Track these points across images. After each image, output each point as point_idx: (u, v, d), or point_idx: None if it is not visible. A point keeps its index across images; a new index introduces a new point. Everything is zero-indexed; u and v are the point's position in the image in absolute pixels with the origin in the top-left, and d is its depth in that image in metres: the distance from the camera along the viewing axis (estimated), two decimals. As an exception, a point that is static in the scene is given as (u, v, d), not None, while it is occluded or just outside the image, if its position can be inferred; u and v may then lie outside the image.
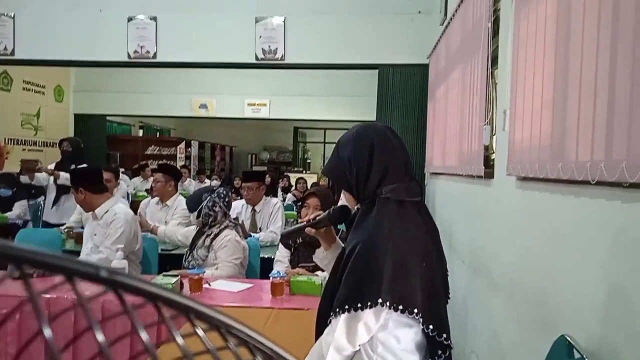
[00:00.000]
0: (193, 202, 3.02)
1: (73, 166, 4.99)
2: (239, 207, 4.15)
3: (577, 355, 1.37)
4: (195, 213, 2.96)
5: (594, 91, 1.39)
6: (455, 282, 1.41)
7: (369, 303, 1.21)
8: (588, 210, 1.48)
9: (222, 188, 3.19)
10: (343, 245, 1.65)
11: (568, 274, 1.60)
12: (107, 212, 3.05)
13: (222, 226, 2.98)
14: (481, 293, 2.70)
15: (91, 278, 0.26)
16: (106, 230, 3.01)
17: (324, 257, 1.60)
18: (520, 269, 2.07)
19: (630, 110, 1.19)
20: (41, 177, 5.00)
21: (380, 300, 1.20)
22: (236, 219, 3.37)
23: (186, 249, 3.08)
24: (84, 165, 5.04)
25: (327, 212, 1.53)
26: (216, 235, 2.93)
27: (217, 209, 2.98)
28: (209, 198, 2.97)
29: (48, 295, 2.39)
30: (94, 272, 0.26)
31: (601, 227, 1.40)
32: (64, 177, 4.87)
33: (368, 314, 1.23)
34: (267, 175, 8.74)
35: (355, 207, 1.41)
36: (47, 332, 0.24)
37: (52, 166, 5.15)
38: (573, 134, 1.51)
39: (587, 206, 1.48)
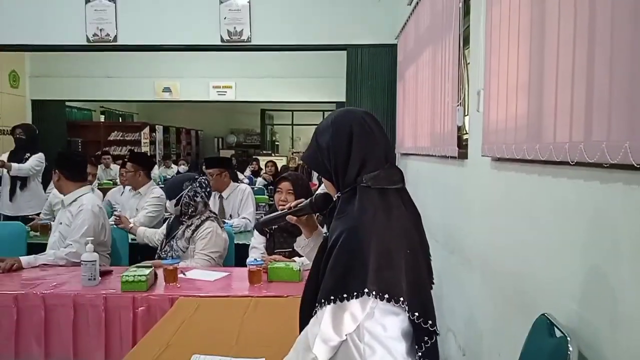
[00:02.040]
0: (172, 190, 2.93)
1: (27, 154, 4.83)
2: (208, 194, 4.08)
3: (558, 334, 1.39)
4: (174, 201, 2.88)
5: (572, 72, 1.39)
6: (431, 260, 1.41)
7: (355, 293, 1.20)
8: (566, 190, 1.50)
9: (204, 177, 3.11)
10: (324, 232, 1.63)
11: (546, 255, 1.63)
12: (74, 201, 2.96)
13: (203, 217, 2.90)
14: (456, 272, 2.73)
15: None
16: (73, 220, 2.92)
17: (305, 245, 1.58)
18: (496, 249, 2.10)
19: (610, 91, 1.19)
20: None
21: (366, 290, 1.19)
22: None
23: (162, 239, 3.00)
24: (40, 153, 4.88)
25: (309, 199, 1.51)
26: (197, 226, 2.86)
27: (198, 199, 2.90)
28: (190, 187, 2.88)
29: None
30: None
31: (580, 207, 1.41)
32: (16, 168, 4.70)
33: (354, 304, 1.22)
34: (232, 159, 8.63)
35: (336, 195, 1.39)
36: None
37: (5, 155, 4.94)
38: (551, 115, 1.51)
39: (565, 187, 1.50)
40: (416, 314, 1.23)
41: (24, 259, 2.76)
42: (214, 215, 3.02)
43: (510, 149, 1.78)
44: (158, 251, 2.99)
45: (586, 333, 1.33)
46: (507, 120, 1.88)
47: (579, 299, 1.40)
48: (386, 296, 1.19)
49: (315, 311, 1.26)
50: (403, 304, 1.21)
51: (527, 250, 1.77)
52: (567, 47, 1.42)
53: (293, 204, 1.55)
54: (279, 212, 1.60)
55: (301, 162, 8.41)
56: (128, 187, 4.27)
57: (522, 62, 1.75)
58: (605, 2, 1.23)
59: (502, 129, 1.93)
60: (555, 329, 1.41)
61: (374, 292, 1.18)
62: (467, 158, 2.51)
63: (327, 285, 1.23)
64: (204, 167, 8.77)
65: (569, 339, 1.28)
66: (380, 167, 1.30)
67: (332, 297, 1.21)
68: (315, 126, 1.50)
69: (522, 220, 1.84)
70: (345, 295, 1.20)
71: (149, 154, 10.52)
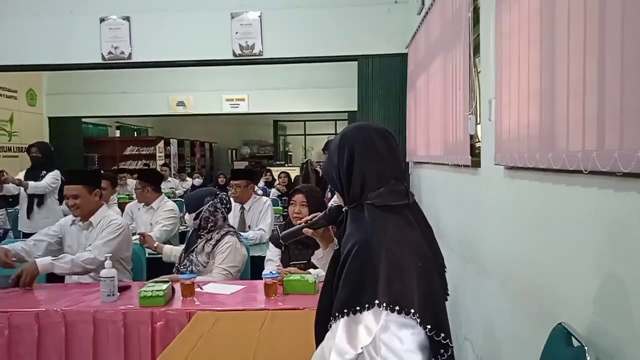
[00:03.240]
0: (193, 204, 2.97)
1: (44, 172, 4.91)
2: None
3: (576, 343, 1.38)
4: (193, 215, 2.92)
5: (583, 80, 1.39)
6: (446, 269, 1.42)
7: (367, 305, 1.21)
8: (580, 199, 1.49)
9: (225, 194, 3.16)
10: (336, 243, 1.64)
11: (562, 263, 1.62)
12: (101, 220, 2.98)
13: (223, 231, 2.94)
14: (473, 281, 2.72)
15: None
16: (101, 233, 2.92)
17: (322, 257, 1.60)
18: (512, 257, 2.09)
19: (622, 100, 1.19)
20: (10, 187, 4.89)
21: (377, 302, 1.20)
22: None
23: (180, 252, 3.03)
24: (55, 170, 4.94)
25: (323, 212, 1.53)
26: (218, 241, 2.90)
27: (218, 214, 2.95)
28: (210, 202, 2.93)
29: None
30: None
31: (594, 215, 1.41)
32: (33, 186, 4.77)
33: (367, 316, 1.23)
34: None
35: (344, 209, 1.41)
36: None
37: (22, 174, 5.03)
38: (563, 124, 1.51)
39: (580, 195, 1.49)
40: (428, 326, 1.24)
41: (40, 262, 2.70)
42: (234, 230, 3.05)
43: (523, 158, 1.78)
44: (177, 265, 3.02)
45: (605, 343, 1.32)
46: (519, 129, 1.88)
47: (596, 308, 1.39)
48: (397, 308, 1.20)
49: (330, 325, 1.27)
50: (414, 316, 1.22)
51: (543, 259, 1.76)
52: (577, 55, 1.42)
53: (308, 217, 1.57)
54: (296, 226, 1.63)
55: (306, 161, 8.44)
56: (135, 204, 4.38)
57: (532, 71, 1.76)
58: (615, 8, 1.23)
59: (515, 137, 1.93)
60: (573, 338, 1.40)
61: (384, 304, 1.20)
62: (480, 167, 2.51)
63: (340, 299, 1.25)
64: (219, 178, 8.80)
65: (586, 348, 1.27)
66: (384, 184, 1.32)
67: (345, 310, 1.22)
68: (328, 136, 1.54)
69: (537, 229, 1.83)
70: (358, 308, 1.21)
71: (165, 167, 10.61)
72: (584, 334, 1.37)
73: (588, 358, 1.26)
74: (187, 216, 3.00)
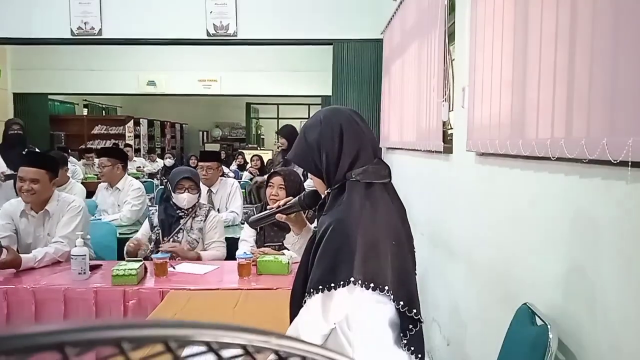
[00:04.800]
0: (199, 181, 3.11)
1: (24, 150, 4.77)
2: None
3: (539, 322, 1.44)
4: (199, 193, 3.01)
5: (554, 70, 1.44)
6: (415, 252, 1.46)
7: (342, 282, 1.24)
8: (547, 184, 1.55)
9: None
10: (313, 228, 1.67)
11: (528, 247, 1.68)
12: (57, 204, 2.82)
13: (205, 208, 3.02)
14: (441, 264, 2.80)
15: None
16: (61, 219, 2.80)
17: (295, 241, 1.61)
18: (480, 241, 2.15)
19: (590, 89, 1.25)
20: None
21: (352, 279, 1.24)
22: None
23: (155, 234, 2.93)
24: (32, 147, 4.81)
25: (297, 197, 1.54)
26: (206, 216, 2.96)
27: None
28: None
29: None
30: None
31: (560, 200, 1.47)
32: None
33: (341, 293, 1.26)
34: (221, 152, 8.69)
35: (325, 192, 1.42)
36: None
37: None
38: (533, 112, 1.56)
39: (547, 181, 1.55)
40: (401, 302, 1.28)
41: (25, 262, 2.54)
42: (211, 207, 3.15)
43: (494, 145, 1.83)
44: (151, 248, 2.96)
45: (566, 322, 1.39)
46: (491, 117, 1.93)
47: (559, 289, 1.46)
48: (372, 285, 1.24)
49: (305, 301, 1.30)
50: (388, 293, 1.26)
51: (510, 243, 1.83)
52: (549, 46, 1.47)
53: (282, 202, 1.58)
54: (268, 210, 1.63)
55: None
56: (104, 185, 4.18)
57: (505, 60, 1.80)
58: (586, 2, 1.28)
59: (486, 125, 1.98)
60: (537, 317, 1.47)
61: (359, 281, 1.23)
62: (452, 153, 2.56)
63: (315, 276, 1.28)
64: (191, 160, 8.67)
65: (549, 327, 1.34)
66: (369, 163, 1.35)
67: (320, 287, 1.25)
68: (301, 120, 1.54)
69: (505, 214, 1.89)
70: (332, 285, 1.24)
71: (133, 148, 10.44)
72: (547, 313, 1.44)
73: (550, 336, 1.32)
74: (186, 194, 2.91)
